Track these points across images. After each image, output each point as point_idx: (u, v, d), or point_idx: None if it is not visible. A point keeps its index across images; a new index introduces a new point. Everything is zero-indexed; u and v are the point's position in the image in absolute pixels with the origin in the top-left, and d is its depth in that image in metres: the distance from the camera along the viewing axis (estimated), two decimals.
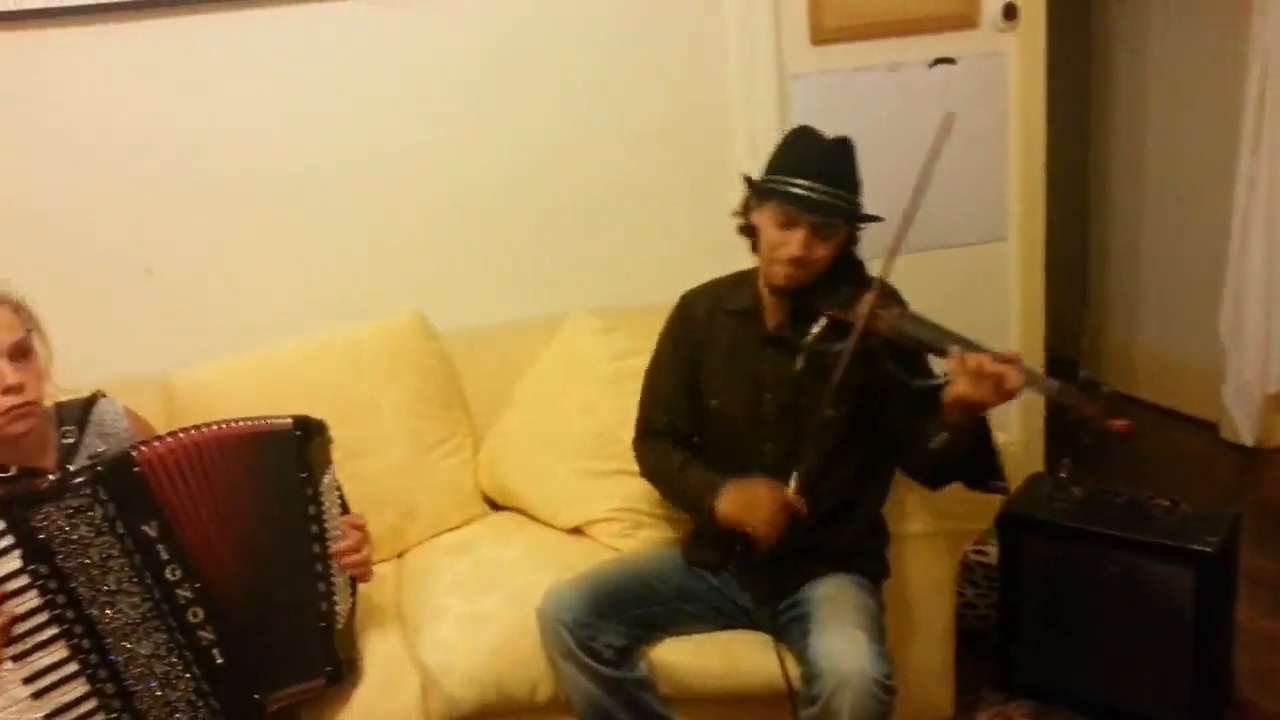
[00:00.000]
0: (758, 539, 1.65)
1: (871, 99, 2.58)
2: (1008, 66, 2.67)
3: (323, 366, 2.18)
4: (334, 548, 1.65)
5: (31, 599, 1.42)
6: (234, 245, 2.34)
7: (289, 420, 1.65)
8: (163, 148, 2.25)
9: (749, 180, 1.76)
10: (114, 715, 1.46)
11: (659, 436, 1.90)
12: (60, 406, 1.67)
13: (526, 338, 2.38)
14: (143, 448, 1.51)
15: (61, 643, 1.43)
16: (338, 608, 1.65)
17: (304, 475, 1.64)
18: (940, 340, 1.58)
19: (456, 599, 1.87)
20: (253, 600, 1.57)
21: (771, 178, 1.71)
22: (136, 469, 1.48)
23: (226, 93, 2.27)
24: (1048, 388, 1.51)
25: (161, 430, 1.78)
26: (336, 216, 2.38)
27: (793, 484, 1.67)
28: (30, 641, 1.42)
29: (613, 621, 1.71)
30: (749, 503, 1.68)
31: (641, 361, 2.04)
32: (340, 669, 1.65)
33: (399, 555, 2.18)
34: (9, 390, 1.47)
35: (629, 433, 1.98)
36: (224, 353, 2.19)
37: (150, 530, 1.48)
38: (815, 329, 1.69)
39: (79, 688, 1.45)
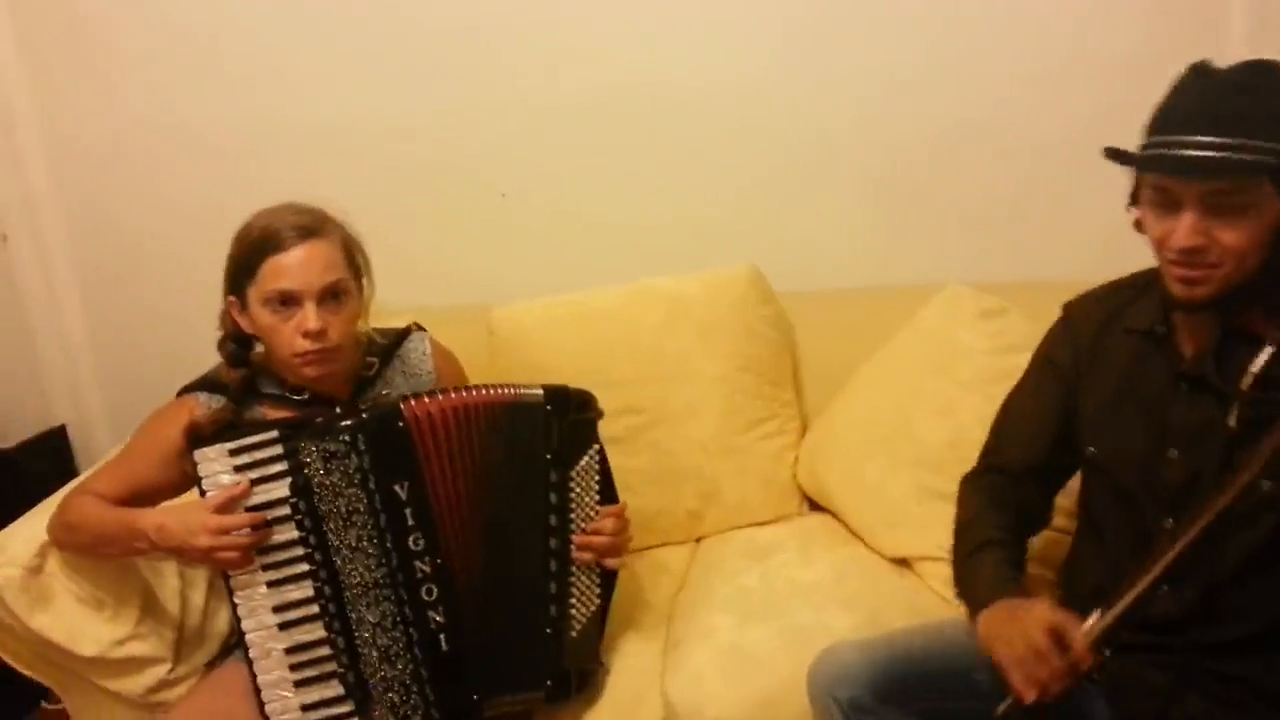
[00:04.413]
0: (1012, 690, 1.16)
1: None
2: None
3: (641, 317, 1.96)
4: (576, 536, 1.44)
5: (290, 531, 1.39)
6: (577, 176, 2.21)
7: (539, 391, 1.45)
8: (520, 73, 2.16)
9: (1114, 154, 1.22)
10: (343, 670, 1.40)
11: (1005, 478, 1.42)
12: (375, 335, 1.61)
13: (883, 310, 1.97)
14: (412, 402, 1.40)
15: (308, 582, 1.39)
16: (573, 611, 1.45)
17: (549, 456, 1.43)
18: None
19: (727, 619, 1.56)
20: (488, 590, 1.42)
21: (1145, 142, 1.18)
22: (401, 423, 1.38)
23: (582, 17, 2.11)
24: None
25: (474, 373, 1.73)
26: (682, 155, 2.16)
27: (1091, 621, 1.15)
28: (284, 572, 1.39)
29: (900, 711, 1.29)
30: (1010, 633, 1.18)
31: None
32: (566, 683, 1.45)
33: (696, 540, 1.93)
34: (309, 335, 1.41)
35: None
36: (560, 284, 2.06)
37: (400, 491, 1.37)
38: (1256, 366, 1.13)
39: (317, 630, 1.40)
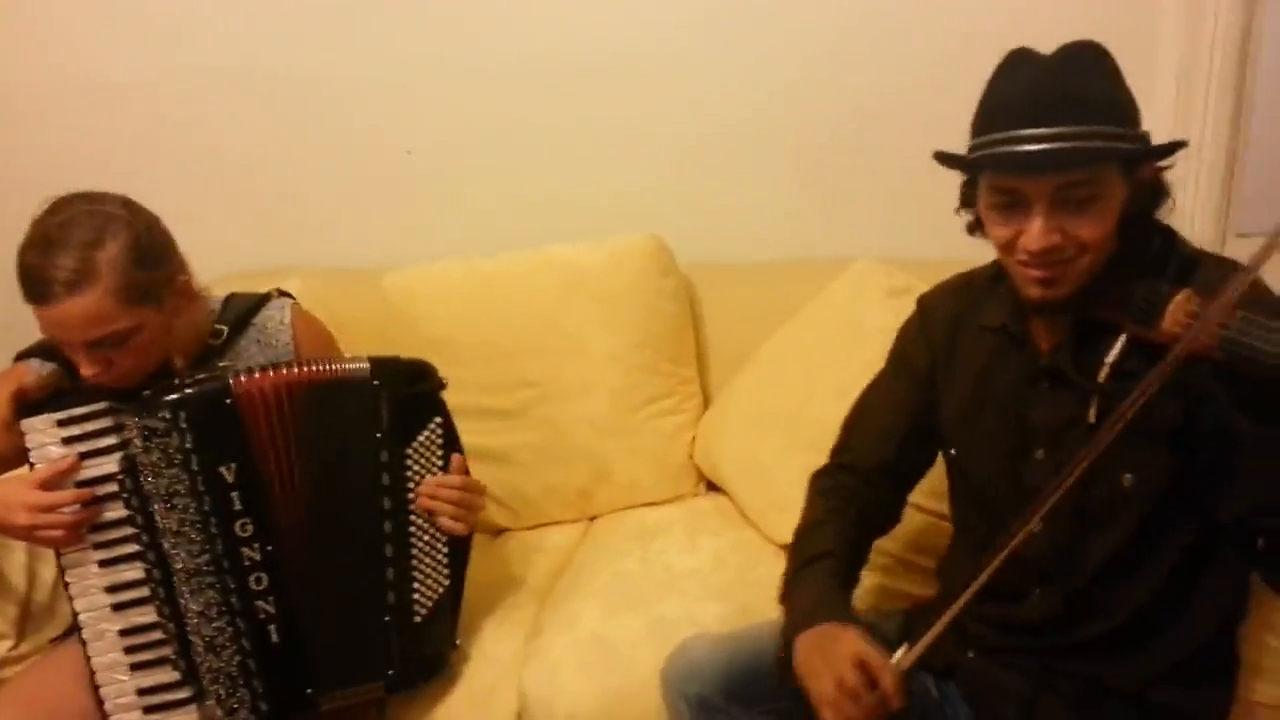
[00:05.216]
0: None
1: None
2: None
3: (539, 286, 1.87)
4: (416, 494, 1.36)
5: (119, 509, 1.30)
6: (485, 139, 2.10)
7: (365, 365, 1.35)
8: (431, 33, 2.06)
9: (943, 157, 1.13)
10: (174, 657, 1.32)
11: (854, 476, 1.33)
12: (230, 301, 1.49)
13: (794, 284, 1.89)
14: (244, 377, 1.29)
15: (139, 563, 1.31)
16: (417, 597, 1.37)
17: (379, 435, 1.34)
18: None
19: (595, 607, 1.49)
20: (322, 578, 1.34)
21: (975, 142, 1.09)
22: (229, 400, 1.28)
23: None
24: None
25: (364, 342, 1.62)
26: (596, 122, 2.05)
27: (899, 655, 1.09)
28: (115, 551, 1.31)
29: (753, 710, 1.23)
30: (819, 667, 1.10)
31: None
32: (410, 672, 1.37)
33: (590, 519, 1.86)
34: (87, 377, 1.29)
35: None
36: (463, 251, 1.96)
37: (227, 474, 1.28)
38: (1110, 357, 1.06)
39: (150, 613, 1.33)
